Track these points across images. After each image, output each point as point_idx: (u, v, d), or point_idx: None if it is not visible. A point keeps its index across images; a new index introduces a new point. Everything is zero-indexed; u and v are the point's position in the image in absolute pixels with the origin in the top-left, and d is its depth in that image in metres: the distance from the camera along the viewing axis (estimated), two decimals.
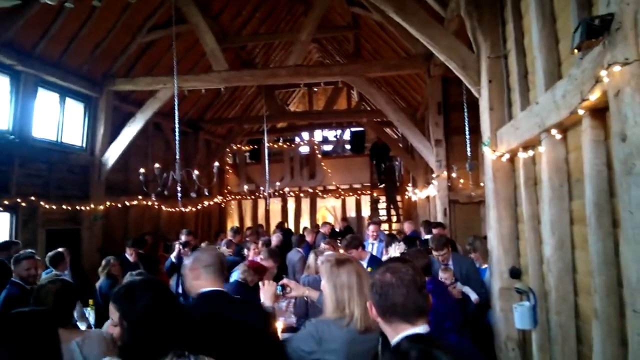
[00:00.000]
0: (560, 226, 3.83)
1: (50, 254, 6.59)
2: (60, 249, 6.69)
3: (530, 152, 4.47)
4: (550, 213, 3.90)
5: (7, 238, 7.95)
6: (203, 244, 9.22)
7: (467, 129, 8.33)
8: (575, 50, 2.87)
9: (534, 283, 4.44)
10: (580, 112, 3.12)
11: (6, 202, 7.97)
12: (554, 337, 4.02)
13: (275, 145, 18.97)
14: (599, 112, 3.11)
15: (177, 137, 7.90)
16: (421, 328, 1.85)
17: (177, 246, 7.24)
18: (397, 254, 4.76)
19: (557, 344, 3.92)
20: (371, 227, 8.23)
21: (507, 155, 5.08)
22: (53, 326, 2.86)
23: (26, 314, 2.91)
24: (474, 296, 5.46)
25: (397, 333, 1.85)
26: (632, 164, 2.45)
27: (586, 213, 3.25)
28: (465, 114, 8.31)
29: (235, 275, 6.04)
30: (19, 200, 8.20)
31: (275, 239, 9.67)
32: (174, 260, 7.12)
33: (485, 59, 5.38)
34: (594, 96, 2.88)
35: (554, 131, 3.70)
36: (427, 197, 12.28)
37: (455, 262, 5.76)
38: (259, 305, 3.13)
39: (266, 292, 3.23)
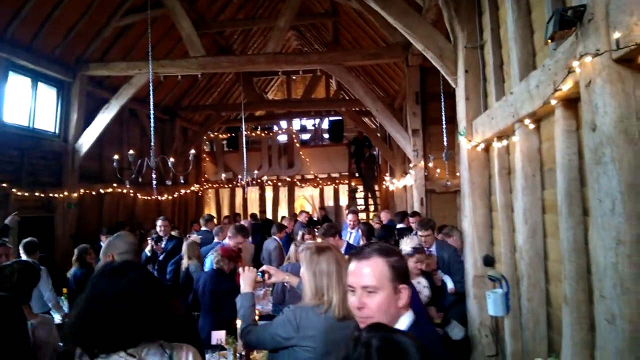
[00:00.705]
0: (533, 215, 3.90)
1: (24, 241, 6.50)
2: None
3: (505, 142, 4.53)
4: (523, 202, 3.97)
5: None
6: (174, 232, 9.18)
7: (444, 118, 8.39)
8: (549, 41, 2.90)
9: (507, 270, 4.52)
10: (553, 102, 3.16)
11: None
12: (525, 323, 4.11)
13: (253, 134, 18.87)
14: (571, 103, 3.16)
15: (152, 124, 7.79)
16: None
17: (149, 241, 7.35)
18: (409, 249, 4.80)
19: (528, 330, 4.01)
20: (350, 216, 8.30)
21: (483, 145, 5.14)
22: (18, 308, 2.87)
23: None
24: (449, 285, 5.54)
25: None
26: (602, 153, 2.50)
27: (558, 202, 3.31)
28: (442, 104, 8.37)
29: (209, 260, 6.08)
30: None
31: (245, 224, 9.76)
32: (148, 253, 7.21)
33: (462, 49, 5.42)
34: (566, 86, 2.92)
35: (527, 121, 3.75)
36: (404, 187, 12.37)
37: (439, 248, 5.85)
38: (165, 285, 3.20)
39: (246, 279, 3.22)
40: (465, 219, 5.57)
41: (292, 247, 6.07)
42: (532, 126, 3.78)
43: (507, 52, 4.46)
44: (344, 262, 2.76)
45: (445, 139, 8.40)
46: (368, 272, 1.90)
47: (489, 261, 5.10)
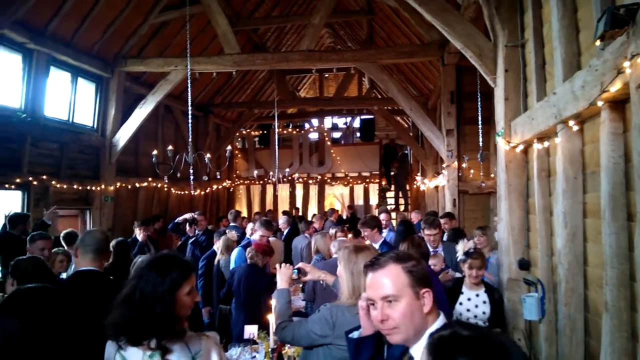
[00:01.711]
0: (573, 218, 3.81)
1: (64, 232, 6.68)
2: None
3: (546, 144, 4.43)
4: (563, 205, 3.88)
5: None
6: (210, 227, 9.35)
7: (480, 118, 8.27)
8: (598, 41, 2.82)
9: (543, 275, 4.44)
10: (600, 103, 3.08)
11: (18, 180, 8.01)
12: (561, 329, 4.02)
13: (285, 131, 18.96)
14: (618, 104, 3.07)
15: (189, 120, 7.90)
16: None
17: (189, 215, 8.25)
18: (461, 255, 4.51)
19: (564, 335, 3.92)
20: (382, 216, 8.29)
21: (521, 147, 5.04)
22: (56, 300, 2.97)
23: (32, 289, 3.05)
24: None
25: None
26: None
27: (601, 206, 3.22)
28: (479, 103, 8.26)
29: (234, 255, 6.27)
30: (30, 178, 8.24)
31: (282, 221, 9.91)
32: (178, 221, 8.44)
33: (502, 48, 5.32)
34: (615, 88, 2.84)
35: (571, 122, 3.66)
36: (436, 187, 12.25)
37: (446, 250, 5.72)
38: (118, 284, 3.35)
39: (282, 275, 3.26)
40: (501, 222, 5.48)
41: (317, 237, 6.14)
42: (575, 128, 3.69)
43: (550, 51, 4.35)
44: None
45: (480, 139, 8.28)
46: (385, 281, 1.82)
47: (524, 265, 5.01)
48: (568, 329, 3.86)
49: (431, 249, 5.70)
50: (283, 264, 3.32)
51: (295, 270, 3.35)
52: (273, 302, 3.23)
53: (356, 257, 2.77)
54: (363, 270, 1.97)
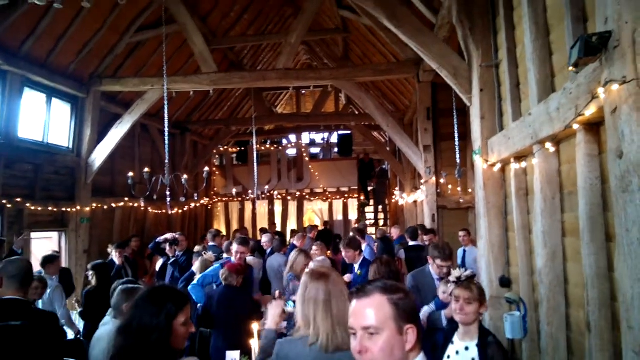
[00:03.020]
0: (552, 238, 3.85)
1: (44, 255, 6.54)
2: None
3: (523, 164, 4.49)
4: (542, 224, 3.92)
5: None
6: (197, 248, 9.23)
7: (456, 135, 8.36)
8: (572, 67, 2.88)
9: (525, 293, 4.47)
10: (575, 126, 3.14)
11: None
12: (544, 348, 4.05)
13: (263, 148, 18.90)
14: (593, 127, 3.13)
15: (166, 141, 7.80)
16: None
17: (170, 235, 8.11)
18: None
19: (547, 354, 3.95)
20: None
21: (499, 165, 5.11)
22: (37, 339, 2.91)
23: (14, 327, 2.97)
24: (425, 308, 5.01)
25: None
26: (629, 181, 2.47)
27: (579, 226, 3.27)
28: (455, 120, 8.35)
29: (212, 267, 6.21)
30: (4, 201, 8.05)
31: (265, 238, 9.81)
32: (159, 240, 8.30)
33: (476, 68, 5.40)
34: (590, 111, 2.90)
35: (548, 144, 3.72)
36: (415, 202, 12.32)
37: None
38: (51, 314, 3.50)
39: (270, 316, 3.10)
40: (481, 239, 5.52)
41: (294, 254, 6.13)
42: (552, 149, 3.74)
43: (524, 72, 4.43)
44: (340, 294, 2.65)
45: (457, 155, 8.36)
46: (368, 311, 1.73)
47: (505, 282, 5.04)
48: (551, 349, 3.89)
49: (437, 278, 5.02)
50: (274, 302, 3.17)
51: (291, 303, 3.17)
52: (255, 328, 3.17)
53: (310, 284, 2.67)
54: (348, 297, 1.90)
